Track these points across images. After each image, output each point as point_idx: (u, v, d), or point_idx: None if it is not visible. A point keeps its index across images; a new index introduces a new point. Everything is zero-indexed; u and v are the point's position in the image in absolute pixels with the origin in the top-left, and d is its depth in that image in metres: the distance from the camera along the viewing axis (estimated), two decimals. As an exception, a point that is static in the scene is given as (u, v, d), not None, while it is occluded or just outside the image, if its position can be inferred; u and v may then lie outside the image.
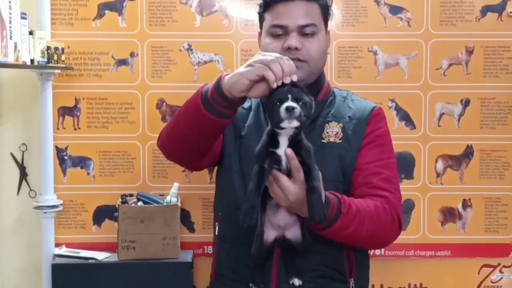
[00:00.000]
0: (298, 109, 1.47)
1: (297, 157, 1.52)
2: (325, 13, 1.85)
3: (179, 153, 1.85)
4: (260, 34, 1.90)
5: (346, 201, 1.65)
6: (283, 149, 1.53)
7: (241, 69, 1.56)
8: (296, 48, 1.76)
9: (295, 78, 1.52)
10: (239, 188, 1.81)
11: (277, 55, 1.54)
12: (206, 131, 1.69)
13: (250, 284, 1.75)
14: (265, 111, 1.57)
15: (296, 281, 1.74)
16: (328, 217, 1.60)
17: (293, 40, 1.77)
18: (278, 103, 1.50)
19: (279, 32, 1.79)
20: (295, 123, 1.48)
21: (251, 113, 1.87)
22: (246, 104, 1.87)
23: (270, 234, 1.67)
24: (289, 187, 1.54)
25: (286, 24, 1.78)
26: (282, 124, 1.49)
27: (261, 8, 1.86)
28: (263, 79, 1.52)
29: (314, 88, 1.82)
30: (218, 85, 1.61)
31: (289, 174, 1.55)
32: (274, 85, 1.51)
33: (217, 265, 1.91)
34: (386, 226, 1.73)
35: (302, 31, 1.78)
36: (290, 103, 1.47)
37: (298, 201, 1.55)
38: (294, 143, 1.54)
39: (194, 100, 1.66)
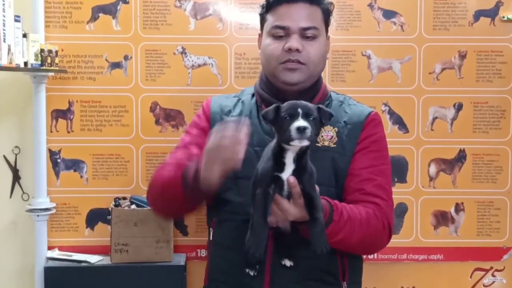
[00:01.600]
0: (309, 129, 1.45)
1: (299, 185, 1.52)
2: (327, 18, 1.88)
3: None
4: (260, 35, 1.91)
5: (339, 208, 1.65)
6: (288, 173, 1.52)
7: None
8: (297, 50, 1.78)
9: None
10: (234, 193, 1.80)
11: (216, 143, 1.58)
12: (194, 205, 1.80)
13: (247, 270, 1.74)
14: (271, 122, 1.55)
15: (287, 262, 1.73)
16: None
17: (294, 41, 1.78)
18: (288, 118, 1.48)
19: (281, 33, 1.81)
20: (305, 143, 1.47)
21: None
22: (236, 111, 1.89)
23: None
24: (289, 210, 1.55)
25: (288, 26, 1.80)
26: (292, 143, 1.47)
27: (263, 9, 1.88)
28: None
29: (310, 91, 1.84)
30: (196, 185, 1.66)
31: (289, 196, 1.55)
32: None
33: (211, 270, 1.90)
34: (376, 234, 1.74)
35: (304, 34, 1.81)
36: (302, 123, 1.46)
37: (295, 219, 1.57)
38: (299, 166, 1.53)
39: (179, 191, 1.72)
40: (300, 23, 1.79)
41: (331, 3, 1.88)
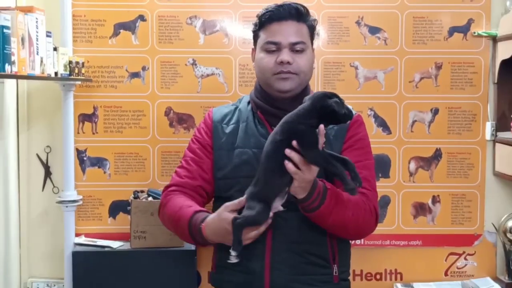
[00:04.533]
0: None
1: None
2: (312, 33, 1.88)
3: None
4: (253, 50, 1.91)
5: (328, 183, 1.68)
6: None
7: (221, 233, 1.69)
8: (288, 62, 1.79)
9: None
10: (236, 190, 1.80)
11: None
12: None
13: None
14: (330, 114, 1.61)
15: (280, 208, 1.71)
16: (318, 195, 1.63)
17: (285, 55, 1.79)
18: (339, 102, 1.62)
19: (273, 48, 1.81)
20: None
21: (242, 125, 1.87)
22: (234, 118, 1.90)
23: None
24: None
25: (279, 41, 1.80)
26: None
27: (256, 27, 1.88)
28: None
29: (300, 97, 1.82)
30: (204, 238, 1.74)
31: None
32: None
33: (218, 258, 1.89)
34: (366, 216, 1.74)
35: (293, 48, 1.80)
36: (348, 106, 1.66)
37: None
38: None
39: (188, 238, 1.81)
40: (290, 38, 1.79)
41: (315, 20, 1.90)
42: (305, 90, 1.87)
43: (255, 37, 1.89)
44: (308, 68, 1.84)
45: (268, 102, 1.85)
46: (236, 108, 1.94)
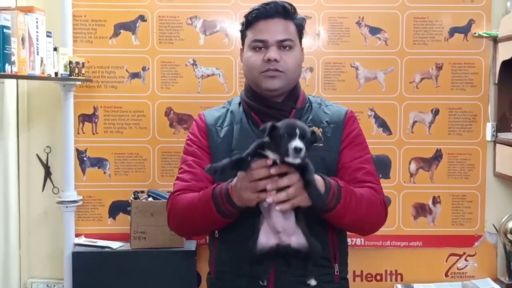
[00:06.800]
0: (304, 150, 1.45)
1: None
2: (300, 31, 1.84)
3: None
4: (242, 50, 1.88)
5: (341, 181, 1.66)
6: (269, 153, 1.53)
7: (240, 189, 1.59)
8: (275, 60, 1.74)
9: None
10: None
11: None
12: (220, 225, 1.74)
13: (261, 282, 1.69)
14: (270, 137, 1.52)
15: (313, 282, 1.63)
16: (333, 195, 1.60)
17: (273, 53, 1.75)
18: (286, 136, 1.47)
19: (260, 46, 1.77)
20: (297, 161, 1.47)
21: (236, 126, 1.83)
22: (227, 120, 1.85)
23: (270, 239, 1.59)
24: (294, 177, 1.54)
25: (266, 39, 1.76)
26: (287, 159, 1.48)
27: (243, 26, 1.84)
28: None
29: (292, 96, 1.82)
30: (230, 201, 1.63)
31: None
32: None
33: (217, 262, 1.83)
34: (378, 210, 1.73)
35: (280, 45, 1.76)
36: (299, 144, 1.45)
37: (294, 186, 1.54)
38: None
39: (210, 213, 1.68)
40: (277, 36, 1.76)
41: (303, 19, 1.85)
42: (296, 89, 1.85)
43: (243, 36, 1.86)
44: (295, 66, 1.79)
45: (260, 102, 1.81)
46: (227, 111, 1.89)
